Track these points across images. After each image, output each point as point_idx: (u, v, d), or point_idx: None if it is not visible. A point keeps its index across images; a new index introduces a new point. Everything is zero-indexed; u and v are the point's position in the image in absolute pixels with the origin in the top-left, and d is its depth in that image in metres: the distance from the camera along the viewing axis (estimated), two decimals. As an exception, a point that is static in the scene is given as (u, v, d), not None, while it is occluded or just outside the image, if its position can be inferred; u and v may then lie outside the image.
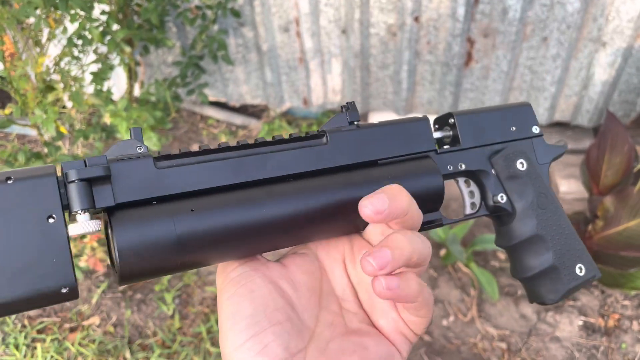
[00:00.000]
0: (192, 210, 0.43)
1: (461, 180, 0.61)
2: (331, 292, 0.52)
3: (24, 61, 1.49)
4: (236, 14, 2.10)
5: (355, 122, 0.53)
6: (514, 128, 0.60)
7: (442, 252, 2.08)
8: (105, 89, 1.77)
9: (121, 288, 1.99)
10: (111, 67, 1.78)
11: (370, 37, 2.18)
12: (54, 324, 1.89)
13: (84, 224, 0.40)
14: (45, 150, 1.64)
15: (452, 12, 2.03)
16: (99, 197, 0.41)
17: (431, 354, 1.80)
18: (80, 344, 1.82)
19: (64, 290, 0.39)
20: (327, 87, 2.43)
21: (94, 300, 1.95)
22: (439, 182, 0.54)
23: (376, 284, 0.45)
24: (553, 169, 2.24)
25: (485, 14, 2.05)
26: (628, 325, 1.85)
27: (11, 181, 0.39)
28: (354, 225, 0.50)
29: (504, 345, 1.82)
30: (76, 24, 1.61)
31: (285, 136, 0.51)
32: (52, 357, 1.79)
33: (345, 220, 0.49)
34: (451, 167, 0.57)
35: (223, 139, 2.59)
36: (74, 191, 0.40)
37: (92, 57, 1.81)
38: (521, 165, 0.59)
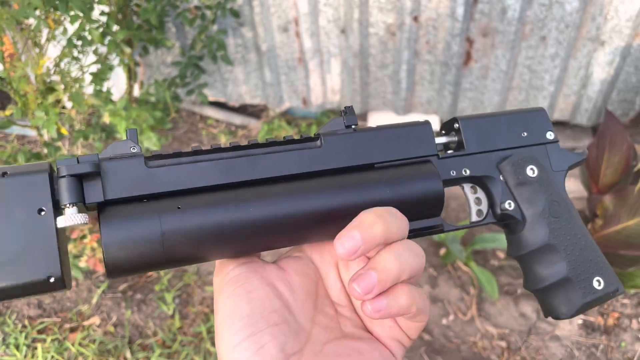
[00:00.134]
0: (178, 208, 0.44)
1: (467, 186, 0.59)
2: (326, 296, 0.52)
3: (23, 62, 1.49)
4: (235, 14, 2.10)
5: (353, 126, 0.52)
6: (525, 134, 0.58)
7: (442, 251, 2.08)
8: (104, 89, 1.77)
9: (121, 288, 2.00)
10: (111, 68, 1.78)
11: (369, 36, 2.18)
12: (54, 324, 1.89)
13: (71, 217, 0.42)
14: (45, 150, 1.64)
15: (451, 11, 2.03)
16: (90, 193, 0.44)
17: (431, 353, 1.80)
18: (80, 344, 1.82)
19: (51, 280, 0.41)
20: (326, 87, 2.44)
21: (94, 301, 1.95)
22: (438, 186, 0.52)
23: (364, 308, 0.46)
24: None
25: (484, 14, 2.05)
26: (627, 324, 1.85)
27: (6, 176, 0.42)
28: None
29: (503, 344, 1.82)
30: (76, 25, 1.61)
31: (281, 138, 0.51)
32: (52, 357, 1.79)
33: (336, 224, 0.49)
34: (454, 172, 0.56)
35: (222, 138, 2.59)
36: (63, 186, 0.42)
37: (92, 57, 1.81)
38: (532, 171, 0.57)
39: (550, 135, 0.59)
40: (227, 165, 0.48)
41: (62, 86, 1.64)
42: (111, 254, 0.42)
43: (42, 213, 0.42)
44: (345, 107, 0.53)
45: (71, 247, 1.94)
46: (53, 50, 1.74)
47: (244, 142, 2.61)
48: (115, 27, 1.82)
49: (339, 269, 0.53)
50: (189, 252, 0.45)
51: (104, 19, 1.77)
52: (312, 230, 0.49)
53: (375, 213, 0.46)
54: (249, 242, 0.46)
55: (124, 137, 1.64)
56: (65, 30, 1.62)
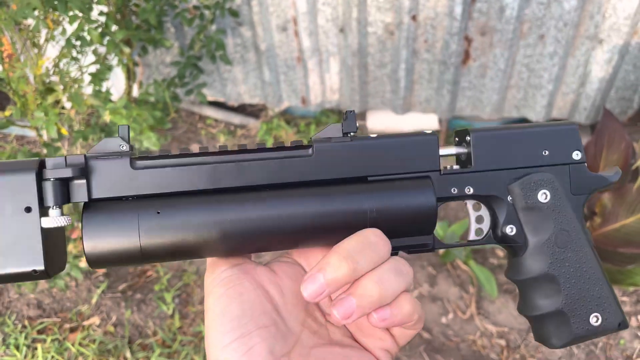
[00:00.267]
0: (158, 213, 0.46)
1: (470, 202, 0.56)
2: (316, 303, 0.53)
3: (22, 63, 1.49)
4: (234, 13, 2.10)
5: (351, 134, 0.50)
6: (547, 152, 0.53)
7: (441, 249, 2.09)
8: (104, 89, 1.77)
9: (121, 288, 2.00)
10: (110, 68, 1.78)
11: (368, 35, 2.19)
12: (54, 325, 1.89)
13: (55, 219, 0.44)
14: (45, 151, 1.64)
15: (449, 10, 2.03)
16: (75, 193, 0.46)
17: (430, 352, 1.80)
18: (80, 344, 1.83)
19: (35, 273, 0.44)
20: (325, 86, 2.44)
21: (93, 301, 1.95)
22: (430, 204, 0.50)
23: (369, 317, 0.46)
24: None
25: (482, 12, 2.05)
26: (626, 322, 1.86)
27: None
28: (328, 240, 0.49)
29: (503, 342, 1.83)
30: (75, 25, 1.61)
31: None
32: (52, 357, 1.79)
33: (318, 235, 0.48)
34: (455, 190, 0.52)
35: (222, 138, 2.60)
36: (48, 188, 0.45)
37: (91, 58, 1.81)
38: (544, 196, 0.52)
39: (577, 156, 0.54)
40: (212, 170, 0.48)
41: (61, 86, 1.64)
42: (91, 249, 0.45)
43: (28, 212, 0.44)
44: (346, 112, 0.50)
45: (71, 248, 1.94)
46: (52, 51, 1.74)
47: (243, 142, 2.61)
48: (114, 27, 1.82)
49: None
50: (164, 251, 0.46)
51: (102, 19, 1.77)
52: (293, 239, 0.48)
53: (343, 254, 0.45)
54: (226, 246, 0.47)
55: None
56: (64, 31, 1.62)
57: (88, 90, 1.86)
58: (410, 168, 0.51)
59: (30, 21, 1.51)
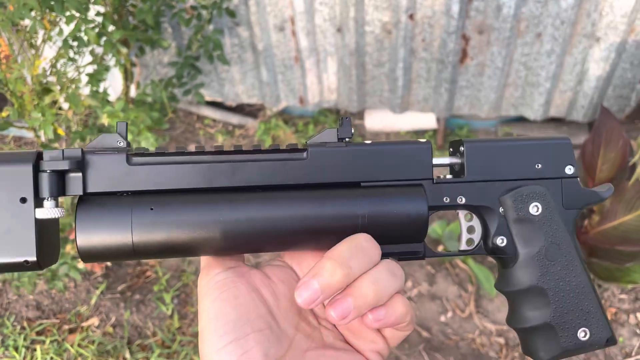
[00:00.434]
0: (151, 209, 0.46)
1: (462, 212, 0.56)
2: None
3: (19, 63, 1.49)
4: (231, 13, 2.10)
5: (346, 139, 0.51)
6: (540, 165, 0.54)
7: (440, 248, 2.09)
8: (101, 90, 1.77)
9: (120, 289, 2.00)
10: (107, 68, 1.78)
11: (365, 35, 2.19)
12: (53, 326, 1.89)
13: (49, 210, 0.45)
14: (42, 152, 1.64)
15: (446, 9, 2.03)
16: (71, 186, 0.47)
17: (430, 350, 1.80)
18: (79, 345, 1.82)
19: (27, 263, 0.45)
20: (323, 86, 2.44)
21: (92, 302, 1.95)
22: (422, 212, 0.50)
23: (364, 318, 0.47)
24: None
25: (479, 11, 2.05)
26: (625, 319, 1.86)
27: None
28: (319, 243, 0.49)
29: (502, 341, 1.83)
30: (72, 26, 1.61)
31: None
32: (51, 358, 1.79)
33: (310, 238, 0.49)
34: (448, 199, 0.52)
35: (220, 138, 2.59)
36: (44, 180, 0.45)
37: (88, 58, 1.81)
38: (535, 209, 0.53)
39: (569, 170, 0.54)
40: (207, 169, 0.48)
41: (59, 87, 1.64)
42: (84, 243, 0.45)
43: (24, 203, 0.44)
44: (341, 118, 0.51)
45: (69, 249, 1.93)
46: (49, 51, 1.74)
47: (241, 142, 2.60)
48: (111, 28, 1.82)
49: None
50: (156, 248, 0.46)
51: (99, 19, 1.77)
52: (285, 241, 0.49)
53: (336, 259, 0.45)
54: (218, 245, 0.47)
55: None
56: (61, 31, 1.62)
57: (85, 90, 1.86)
58: (404, 175, 0.52)
59: (27, 22, 1.51)
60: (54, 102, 1.68)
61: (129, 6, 1.91)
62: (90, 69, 1.79)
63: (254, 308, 0.47)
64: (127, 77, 2.04)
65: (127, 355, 1.80)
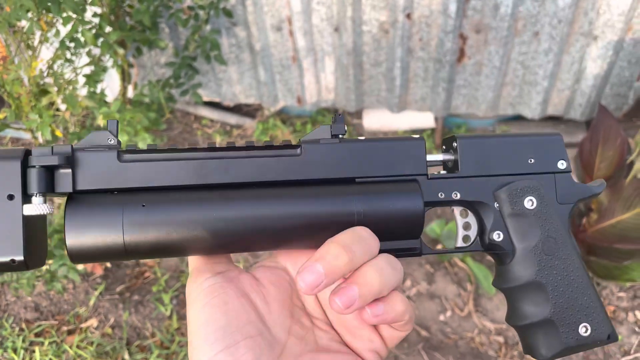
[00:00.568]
0: (143, 206, 0.45)
1: (457, 208, 0.56)
2: (302, 307, 0.52)
3: (16, 65, 1.48)
4: (228, 13, 2.10)
5: (340, 136, 0.51)
6: (533, 160, 0.54)
7: (438, 247, 2.09)
8: (98, 91, 1.76)
9: (118, 290, 1.99)
10: (104, 69, 1.78)
11: (362, 34, 2.18)
12: (51, 327, 1.89)
13: (37, 206, 0.43)
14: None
15: (443, 8, 2.03)
16: (60, 183, 0.45)
17: (429, 349, 1.81)
18: (78, 347, 1.82)
19: (13, 263, 0.43)
20: (320, 86, 2.44)
21: (91, 303, 1.95)
22: (417, 208, 0.50)
23: (362, 313, 0.46)
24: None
25: (476, 10, 2.05)
26: (623, 317, 1.86)
27: None
28: (314, 240, 0.48)
29: (501, 339, 1.83)
30: (68, 27, 1.61)
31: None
32: (50, 360, 1.79)
33: (305, 235, 0.48)
34: (442, 194, 0.52)
35: (218, 138, 2.59)
36: (33, 176, 0.44)
37: (85, 59, 1.81)
38: (530, 202, 0.53)
39: (561, 165, 0.55)
40: (199, 166, 0.48)
41: (56, 88, 1.64)
42: (73, 242, 0.44)
43: (12, 199, 0.43)
44: (335, 115, 0.51)
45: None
46: (46, 53, 1.74)
47: (239, 142, 2.61)
48: (108, 29, 1.82)
49: None
50: (148, 247, 0.45)
51: (96, 20, 1.76)
52: (278, 239, 0.48)
53: (340, 243, 0.45)
54: (210, 244, 0.46)
55: (118, 138, 1.63)
56: (57, 32, 1.61)
57: (83, 91, 1.86)
58: (398, 171, 0.51)
59: (24, 23, 1.51)
60: (51, 104, 1.67)
61: (125, 7, 1.90)
62: (88, 70, 1.78)
63: (244, 314, 0.46)
64: (125, 77, 2.04)
65: (126, 356, 1.80)
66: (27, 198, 0.44)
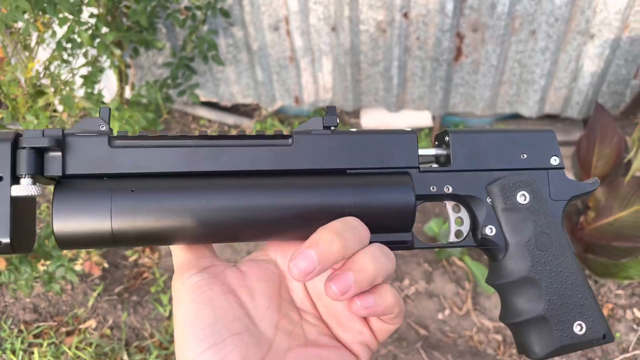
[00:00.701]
0: (132, 191, 0.45)
1: (449, 203, 0.55)
2: (291, 301, 0.52)
3: (13, 66, 1.48)
4: (225, 13, 2.10)
5: (331, 127, 0.51)
6: (525, 156, 0.54)
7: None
8: (96, 91, 1.76)
9: (117, 290, 1.99)
10: (101, 70, 1.78)
11: (360, 34, 2.19)
12: (50, 328, 1.89)
13: (25, 187, 0.43)
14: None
15: (440, 7, 2.03)
16: (49, 166, 0.45)
17: (428, 348, 1.81)
18: (77, 348, 1.82)
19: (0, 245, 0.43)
20: (318, 85, 2.44)
21: (90, 304, 1.95)
22: (409, 200, 0.50)
23: (352, 304, 0.45)
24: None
25: (473, 9, 2.06)
26: (622, 315, 1.87)
27: None
28: (304, 231, 0.47)
29: (499, 338, 1.83)
30: (65, 28, 1.61)
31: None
32: (49, 361, 1.79)
33: (296, 225, 0.48)
34: (434, 188, 0.52)
35: (215, 139, 2.59)
36: (23, 157, 0.43)
37: (82, 60, 1.81)
38: (523, 197, 0.53)
39: (554, 161, 0.54)
40: (190, 153, 0.47)
41: (53, 89, 1.64)
42: (60, 227, 0.43)
43: (1, 181, 0.43)
44: (327, 107, 0.51)
45: (65, 251, 1.93)
46: (43, 54, 1.74)
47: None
48: (104, 29, 1.82)
49: None
50: (137, 235, 0.45)
51: (93, 21, 1.76)
52: (267, 228, 0.48)
53: (333, 230, 0.44)
54: (199, 232, 0.46)
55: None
56: (54, 33, 1.61)
57: (80, 92, 1.86)
58: (390, 164, 0.51)
59: (21, 24, 1.50)
60: (48, 105, 1.67)
61: (122, 7, 1.90)
62: (84, 70, 1.78)
63: (230, 311, 0.45)
64: (122, 78, 2.04)
65: (125, 357, 1.80)
66: (15, 180, 0.43)
